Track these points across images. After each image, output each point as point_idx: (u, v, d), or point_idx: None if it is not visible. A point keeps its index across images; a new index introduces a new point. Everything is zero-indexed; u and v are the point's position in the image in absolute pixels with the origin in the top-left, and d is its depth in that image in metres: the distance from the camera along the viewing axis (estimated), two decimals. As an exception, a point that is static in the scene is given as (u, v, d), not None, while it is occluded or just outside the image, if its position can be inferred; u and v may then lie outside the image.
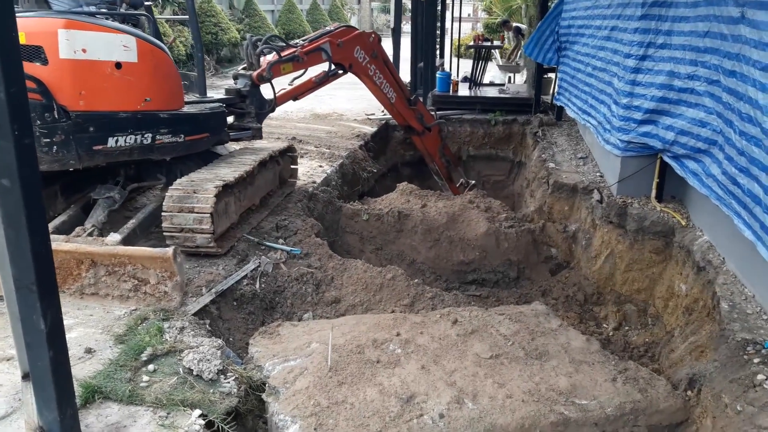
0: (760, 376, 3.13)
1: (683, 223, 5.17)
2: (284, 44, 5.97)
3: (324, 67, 6.23)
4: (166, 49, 4.70)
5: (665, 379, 3.67)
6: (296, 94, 6.21)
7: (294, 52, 5.82)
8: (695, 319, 4.50)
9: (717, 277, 4.32)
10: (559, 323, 4.12)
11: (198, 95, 5.44)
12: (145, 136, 4.48)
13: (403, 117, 7.51)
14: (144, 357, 3.13)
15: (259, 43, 5.68)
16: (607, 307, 5.59)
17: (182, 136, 4.76)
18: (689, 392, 3.58)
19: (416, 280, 5.04)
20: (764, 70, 3.45)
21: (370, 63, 6.67)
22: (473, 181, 8.90)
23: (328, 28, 6.52)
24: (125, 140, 4.35)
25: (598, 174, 6.62)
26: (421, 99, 8.29)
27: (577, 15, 7.90)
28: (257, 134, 5.78)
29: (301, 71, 6.00)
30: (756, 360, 3.30)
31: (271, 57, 5.66)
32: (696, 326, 4.41)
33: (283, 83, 6.10)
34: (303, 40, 6.23)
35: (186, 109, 4.91)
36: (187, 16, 5.40)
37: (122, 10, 4.91)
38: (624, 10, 5.73)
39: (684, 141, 4.86)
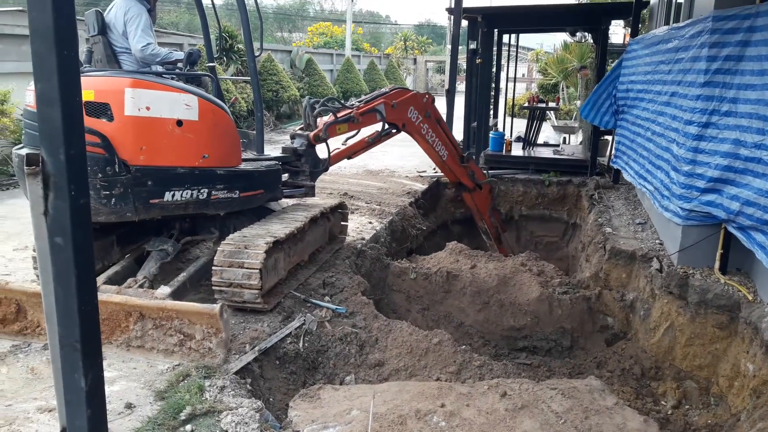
0: (842, 478, 2.84)
1: (750, 298, 4.88)
2: (340, 105, 6.10)
3: (377, 127, 6.33)
4: (226, 108, 4.85)
5: (732, 471, 3.38)
6: (350, 153, 6.31)
7: (350, 113, 5.93)
8: (764, 402, 4.17)
9: (789, 359, 4.01)
10: (615, 401, 3.88)
11: (255, 153, 5.56)
12: (201, 191, 4.57)
13: (455, 174, 7.56)
14: (183, 416, 3.08)
15: (316, 105, 5.82)
16: (665, 383, 5.27)
17: (237, 192, 4.84)
18: (760, 489, 3.28)
19: (463, 347, 4.88)
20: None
21: (423, 122, 6.78)
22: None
23: (383, 90, 6.65)
24: (182, 195, 4.45)
25: (657, 241, 6.36)
26: (473, 157, 8.34)
27: (636, 79, 7.81)
28: (310, 192, 5.84)
29: (356, 131, 6.12)
30: (837, 458, 3.00)
31: (328, 118, 5.78)
32: (765, 411, 4.09)
33: (337, 142, 6.20)
34: (359, 101, 6.36)
35: (243, 166, 5.02)
36: (249, 77, 5.56)
37: (186, 70, 5.10)
38: (685, 76, 5.62)
39: (750, 212, 4.64)
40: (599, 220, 7.31)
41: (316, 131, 5.69)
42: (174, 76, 5.00)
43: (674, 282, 5.34)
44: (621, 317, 6.10)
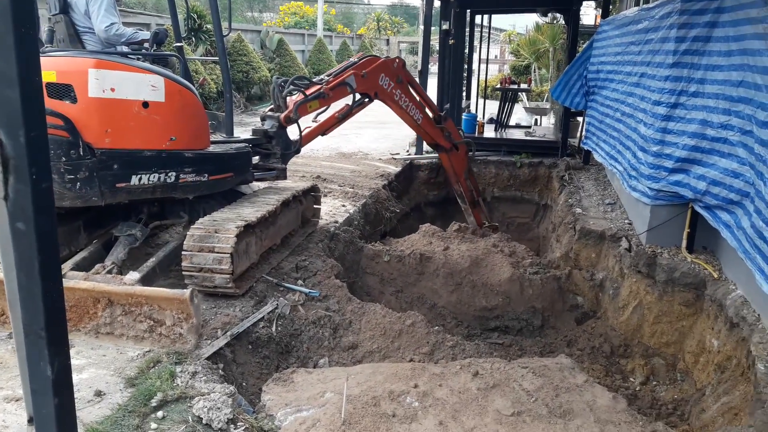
0: (800, 448, 2.94)
1: (715, 276, 4.99)
2: (309, 82, 5.96)
3: (348, 100, 6.22)
4: (194, 89, 4.75)
5: (696, 443, 3.47)
6: (322, 131, 6.18)
7: (319, 89, 5.81)
8: (728, 377, 4.29)
9: (752, 334, 4.12)
10: (584, 378, 3.96)
11: (225, 135, 5.46)
12: (169, 174, 4.49)
13: (430, 136, 7.49)
14: (154, 403, 3.05)
15: (285, 84, 5.69)
16: (634, 360, 5.38)
17: (206, 175, 4.76)
18: (723, 460, 3.38)
19: (436, 327, 4.92)
20: (800, 122, 3.34)
21: (395, 88, 6.64)
22: (497, 224, 8.85)
23: (352, 60, 6.50)
24: (149, 178, 4.36)
25: (626, 221, 6.46)
26: (450, 117, 8.01)
27: (606, 60, 7.87)
28: (282, 175, 5.76)
29: (327, 107, 5.99)
30: (796, 429, 3.10)
31: (297, 97, 5.65)
32: (729, 386, 4.20)
33: (307, 120, 6.10)
34: (328, 75, 6.20)
35: (212, 148, 4.93)
36: (218, 57, 5.44)
37: (152, 51, 4.98)
38: (654, 57, 5.67)
39: (716, 191, 4.73)
40: (569, 200, 7.39)
41: (286, 112, 5.56)
42: (140, 57, 4.88)
43: (642, 261, 5.43)
44: (591, 296, 6.20)
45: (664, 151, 5.27)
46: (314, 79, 6.06)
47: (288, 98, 5.67)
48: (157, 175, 4.41)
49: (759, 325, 4.19)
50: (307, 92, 5.72)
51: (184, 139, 4.58)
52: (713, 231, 4.93)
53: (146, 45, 5.16)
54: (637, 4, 9.24)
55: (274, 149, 5.73)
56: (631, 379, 5.26)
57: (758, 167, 4.03)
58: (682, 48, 5.11)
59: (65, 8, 4.86)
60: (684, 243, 5.39)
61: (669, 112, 5.21)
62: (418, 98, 6.98)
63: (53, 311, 2.19)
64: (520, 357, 5.11)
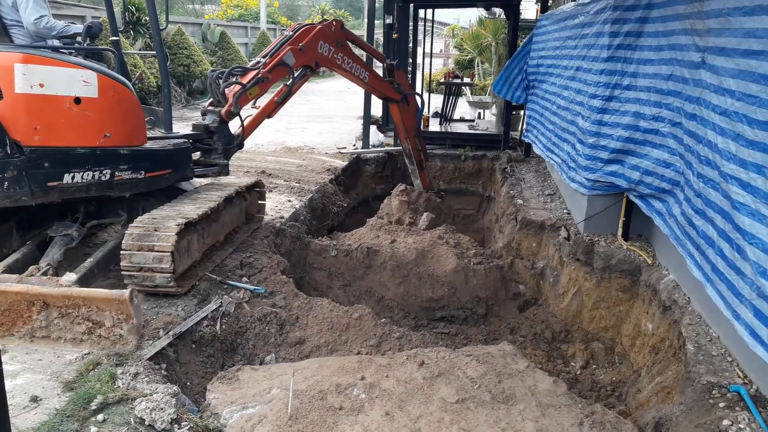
0: (725, 422, 3.11)
1: (649, 262, 5.20)
2: (244, 70, 5.74)
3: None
4: (129, 85, 4.62)
5: (632, 423, 3.62)
6: (262, 118, 5.98)
7: (257, 74, 5.61)
8: (661, 359, 4.49)
9: (683, 317, 4.32)
10: (526, 364, 4.07)
11: (163, 131, 5.33)
12: (104, 172, 4.36)
13: (379, 91, 7.48)
14: (93, 406, 2.97)
15: (221, 76, 5.52)
16: (574, 345, 5.57)
17: (143, 172, 4.65)
18: (656, 437, 3.54)
19: (383, 320, 4.96)
20: (723, 114, 3.51)
21: (336, 53, 6.51)
22: (443, 192, 9.06)
23: (287, 33, 6.26)
24: (82, 176, 4.23)
25: (565, 211, 6.66)
26: (400, 68, 7.96)
27: (545, 54, 8.06)
28: (224, 170, 5.63)
29: (267, 90, 5.83)
30: (722, 404, 3.27)
31: (235, 88, 5.48)
32: (662, 366, 4.40)
33: (249, 108, 5.98)
34: (263, 56, 5.98)
35: (149, 144, 4.81)
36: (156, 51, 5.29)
37: (86, 45, 4.82)
38: (590, 51, 5.84)
39: (649, 181, 4.92)
40: (511, 192, 7.56)
41: (227, 107, 5.41)
42: (72, 51, 4.71)
43: (581, 249, 5.61)
44: (532, 284, 6.37)
45: (600, 143, 5.44)
46: (249, 65, 5.86)
47: (226, 90, 5.50)
48: (91, 173, 4.27)
49: (689, 308, 4.40)
50: (245, 80, 5.56)
51: (119, 135, 4.45)
52: (647, 219, 5.13)
53: (79, 39, 4.98)
54: (573, -1, 9.50)
55: (216, 145, 5.58)
56: (572, 363, 5.44)
57: (687, 157, 4.21)
58: (615, 43, 5.28)
59: None
60: (620, 231, 5.59)
61: (604, 105, 5.38)
62: (365, 55, 6.99)
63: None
64: (466, 345, 5.20)
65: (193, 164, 5.34)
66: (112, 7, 5.66)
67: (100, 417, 2.92)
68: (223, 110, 5.45)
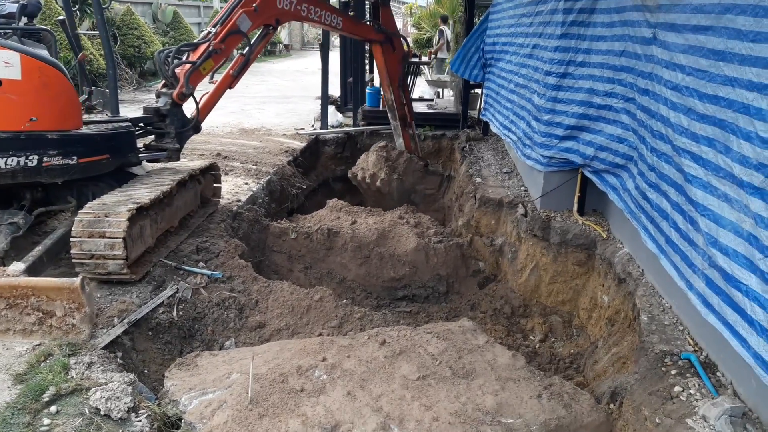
0: (677, 388, 3.21)
1: (604, 236, 5.31)
2: (194, 45, 5.43)
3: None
4: (60, 66, 4.42)
5: (589, 393, 3.71)
6: (218, 97, 5.73)
7: (207, 47, 5.29)
8: (617, 330, 4.60)
9: (637, 289, 4.44)
10: (485, 339, 4.12)
11: (109, 114, 5.14)
12: (30, 157, 4.19)
13: (357, 35, 7.05)
14: (46, 398, 2.89)
15: (170, 56, 5.27)
16: (533, 319, 5.66)
17: (75, 158, 4.47)
18: (612, 405, 3.64)
19: (344, 301, 4.94)
20: (675, 89, 3.57)
21: (300, 3, 5.96)
22: (427, 161, 8.71)
23: None
24: (6, 162, 4.05)
25: (522, 188, 6.73)
26: (387, 4, 7.35)
27: (501, 32, 8.07)
28: (173, 156, 5.43)
29: (224, 60, 5.54)
30: (673, 371, 3.38)
31: (186, 67, 5.23)
32: (618, 337, 4.51)
33: (206, 84, 5.75)
34: (214, 25, 5.54)
35: (86, 129, 4.62)
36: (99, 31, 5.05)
37: (23, 24, 4.60)
38: (545, 28, 5.86)
39: (603, 156, 5.00)
40: (470, 171, 7.60)
41: (178, 88, 5.20)
42: (8, 32, 4.50)
43: (538, 225, 5.69)
44: (491, 261, 6.44)
45: (554, 120, 5.49)
46: (199, 38, 5.55)
47: (177, 70, 5.27)
48: (15, 158, 4.11)
49: (643, 280, 4.51)
50: (195, 56, 5.28)
51: (47, 119, 4.29)
52: (602, 194, 5.22)
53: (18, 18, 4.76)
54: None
55: (168, 128, 5.40)
56: (531, 337, 5.54)
57: (640, 132, 4.29)
58: (569, 19, 5.31)
59: None
60: (575, 206, 5.68)
61: (559, 82, 5.42)
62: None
63: None
64: (427, 323, 5.24)
65: (137, 149, 5.16)
66: None
67: (53, 408, 2.84)
68: (175, 92, 5.24)
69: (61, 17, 5.41)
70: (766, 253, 2.63)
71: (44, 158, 4.30)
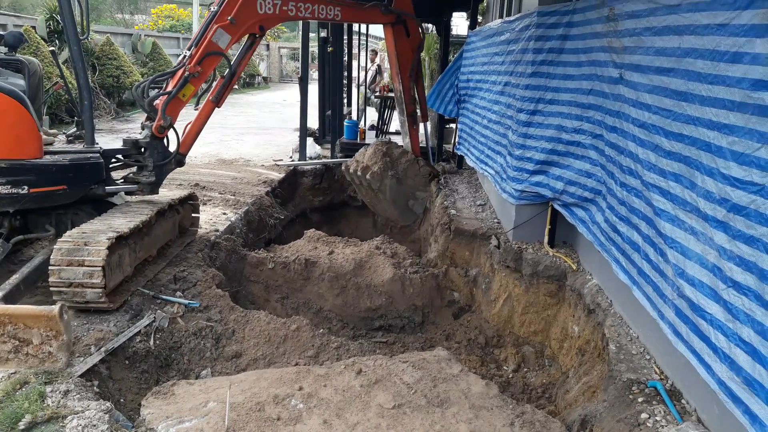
0: (643, 415, 3.32)
1: (574, 268, 5.46)
2: (170, 73, 5.24)
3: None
4: (18, 95, 4.45)
5: (560, 421, 3.80)
6: (200, 126, 5.57)
7: (183, 72, 5.09)
8: (587, 360, 4.71)
9: (606, 319, 4.57)
10: (460, 368, 4.20)
11: (85, 145, 5.11)
12: None
13: (363, 19, 6.45)
14: (22, 426, 2.89)
15: (146, 88, 5.15)
16: (506, 349, 5.76)
17: (26, 187, 4.44)
18: (582, 433, 3.73)
19: (321, 330, 4.99)
20: (642, 127, 3.74)
21: (285, 3, 5.49)
22: (438, 170, 8.07)
23: (213, 10, 5.35)
24: None
25: (495, 220, 6.90)
26: None
27: (474, 70, 8.33)
28: (146, 189, 5.29)
29: (205, 83, 5.32)
30: (640, 399, 3.49)
31: (163, 99, 5.11)
32: (588, 367, 4.62)
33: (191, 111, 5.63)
34: (188, 48, 5.31)
35: (46, 158, 4.60)
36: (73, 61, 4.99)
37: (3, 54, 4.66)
38: (516, 67, 6.10)
39: (572, 190, 5.17)
40: (445, 203, 7.75)
41: (156, 121, 5.09)
42: None
43: (510, 257, 5.83)
44: (466, 292, 6.55)
45: (525, 155, 5.68)
46: (175, 64, 5.32)
47: (156, 103, 5.20)
48: None
49: (611, 310, 4.65)
50: (171, 86, 5.12)
51: (0, 147, 4.30)
52: (571, 226, 5.39)
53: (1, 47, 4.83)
54: (501, 16, 9.88)
55: (147, 161, 5.29)
56: (504, 367, 5.62)
57: (609, 168, 4.46)
58: (539, 59, 5.54)
59: None
60: (546, 239, 5.85)
61: (529, 119, 5.63)
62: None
63: None
64: (403, 353, 5.30)
65: (105, 181, 5.07)
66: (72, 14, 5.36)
67: (28, 437, 2.84)
68: (154, 125, 5.15)
69: (52, 48, 5.46)
70: (728, 283, 2.76)
71: None
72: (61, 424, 2.95)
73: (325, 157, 11.15)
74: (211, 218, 6.89)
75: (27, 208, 4.58)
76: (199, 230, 6.20)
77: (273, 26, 5.56)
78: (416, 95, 7.14)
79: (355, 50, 14.48)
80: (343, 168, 7.63)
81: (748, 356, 2.59)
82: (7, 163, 4.35)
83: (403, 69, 6.68)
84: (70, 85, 4.75)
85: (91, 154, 4.95)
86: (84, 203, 5.03)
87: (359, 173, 7.38)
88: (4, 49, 5.21)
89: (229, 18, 5.12)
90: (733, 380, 2.67)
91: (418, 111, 7.93)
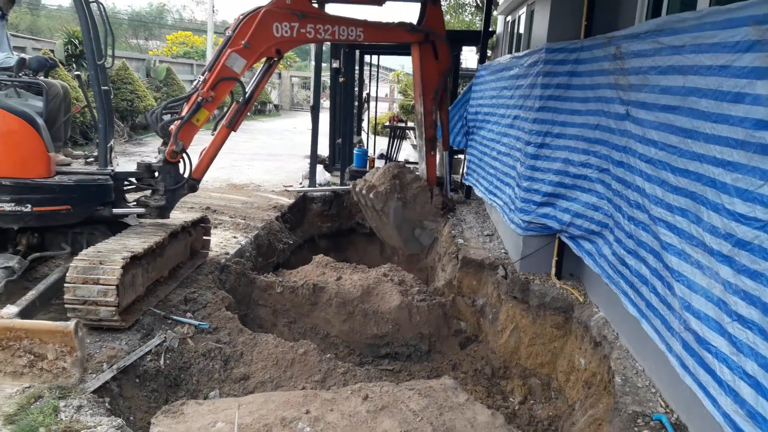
0: (647, 447, 3.34)
1: (581, 300, 5.50)
2: (184, 98, 5.27)
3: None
4: (30, 117, 4.61)
5: (565, 451, 3.82)
6: (215, 151, 5.60)
7: (196, 97, 5.12)
8: (594, 392, 4.73)
9: (612, 351, 4.60)
10: (466, 397, 4.22)
11: (99, 167, 5.19)
12: None
13: (387, 40, 6.13)
14: (35, 439, 2.94)
15: (160, 114, 5.23)
16: (513, 380, 5.77)
17: (29, 206, 4.58)
18: (587, 464, 3.74)
19: (328, 355, 5.03)
20: (649, 162, 3.83)
21: (303, 26, 5.35)
22: (454, 205, 7.70)
23: (227, 34, 5.36)
24: None
25: (503, 251, 6.96)
26: (438, 2, 6.45)
27: (483, 102, 8.48)
28: (155, 213, 5.32)
29: (216, 108, 5.32)
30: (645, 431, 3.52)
31: (177, 124, 5.18)
32: (594, 399, 4.64)
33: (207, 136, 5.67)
34: (203, 74, 5.35)
35: (54, 179, 4.74)
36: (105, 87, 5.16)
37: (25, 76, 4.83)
38: (525, 101, 6.23)
39: (579, 223, 5.25)
40: (453, 232, 7.82)
41: (169, 146, 5.16)
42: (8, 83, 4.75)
43: (517, 287, 5.88)
44: (473, 321, 6.58)
45: (533, 186, 5.77)
46: (190, 89, 5.34)
47: (171, 128, 5.27)
48: None
49: (617, 343, 4.68)
50: (184, 111, 5.15)
51: (5, 166, 4.48)
52: (579, 259, 5.44)
53: (26, 71, 5.00)
54: (510, 51, 10.08)
55: (158, 185, 5.36)
56: (511, 399, 5.63)
57: (616, 201, 4.54)
58: (547, 93, 5.67)
59: None
60: (553, 270, 5.90)
61: (537, 152, 5.73)
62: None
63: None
64: (409, 381, 5.33)
65: (114, 203, 5.16)
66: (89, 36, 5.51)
67: (42, 450, 2.89)
68: (167, 150, 5.22)
69: (77, 72, 5.61)
70: (733, 317, 2.81)
71: None
72: (73, 439, 3.00)
73: (334, 184, 11.28)
74: (222, 241, 6.98)
75: (40, 227, 4.69)
76: (209, 253, 6.29)
77: (290, 49, 5.45)
78: (439, 122, 6.79)
79: (366, 80, 14.73)
80: (350, 186, 7.44)
81: (751, 389, 2.63)
82: (11, 182, 4.50)
83: (426, 91, 6.40)
84: (94, 110, 4.87)
85: (99, 176, 5.05)
86: (98, 223, 5.14)
87: (364, 192, 7.18)
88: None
89: (242, 42, 5.09)
90: (738, 413, 2.70)
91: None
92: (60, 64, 14.25)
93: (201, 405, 3.81)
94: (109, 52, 5.17)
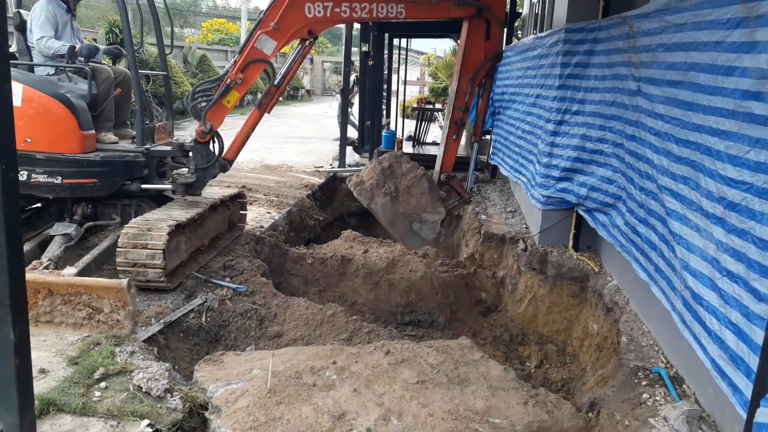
0: (645, 395, 3.62)
1: (596, 270, 5.75)
2: (218, 80, 5.31)
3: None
4: (66, 99, 5.09)
5: (571, 403, 4.12)
6: (246, 135, 5.64)
7: (226, 80, 5.17)
8: (604, 355, 5.00)
9: (621, 316, 4.86)
10: (480, 355, 4.54)
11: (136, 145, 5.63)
12: (21, 172, 4.82)
13: (433, 16, 5.50)
14: (96, 375, 3.37)
15: (192, 96, 5.35)
16: (530, 347, 6.06)
17: (59, 177, 5.08)
18: (590, 414, 4.04)
19: (354, 317, 5.40)
20: (656, 135, 4.05)
21: (337, 5, 5.01)
22: (469, 199, 7.14)
23: (260, 16, 5.23)
24: None
25: (524, 226, 7.22)
26: None
27: (509, 83, 8.70)
28: (181, 189, 5.56)
29: (246, 90, 5.34)
30: (644, 383, 3.79)
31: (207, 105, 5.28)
32: (604, 361, 4.91)
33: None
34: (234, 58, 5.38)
35: (87, 155, 5.22)
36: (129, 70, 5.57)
37: (73, 63, 5.29)
38: (546, 80, 6.45)
39: (595, 196, 5.48)
40: (476, 209, 8.11)
41: (199, 126, 5.33)
42: (58, 68, 5.37)
43: (536, 259, 6.15)
44: (493, 292, 6.88)
45: (552, 162, 6.01)
46: (223, 71, 5.44)
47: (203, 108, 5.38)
48: None
49: (627, 308, 4.94)
50: (215, 94, 5.24)
51: (41, 141, 5.00)
52: (595, 231, 5.69)
53: (80, 58, 5.45)
54: (535, 32, 10.23)
55: (189, 164, 5.62)
56: (527, 363, 5.92)
57: (628, 174, 4.77)
58: (566, 72, 5.88)
59: (21, 26, 5.19)
60: (571, 242, 6.15)
61: (556, 129, 5.96)
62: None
63: (16, 283, 2.55)
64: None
65: (144, 179, 5.56)
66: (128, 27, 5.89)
67: (102, 384, 3.32)
68: (197, 130, 5.39)
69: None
70: (723, 273, 3.07)
71: (33, 175, 4.99)
72: (129, 377, 3.42)
73: (363, 165, 11.61)
74: (257, 216, 7.41)
75: (78, 198, 5.18)
76: (246, 226, 6.71)
77: (324, 29, 5.18)
78: (472, 106, 5.95)
79: (396, 64, 14.98)
80: (346, 181, 6.77)
81: (734, 336, 2.89)
82: (45, 156, 5.01)
83: (465, 68, 5.67)
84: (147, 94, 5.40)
85: (130, 153, 5.49)
86: (145, 197, 5.60)
87: (352, 188, 6.43)
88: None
89: (272, 24, 4.98)
90: (722, 357, 2.97)
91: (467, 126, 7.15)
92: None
93: (239, 356, 4.22)
94: (162, 40, 5.55)
